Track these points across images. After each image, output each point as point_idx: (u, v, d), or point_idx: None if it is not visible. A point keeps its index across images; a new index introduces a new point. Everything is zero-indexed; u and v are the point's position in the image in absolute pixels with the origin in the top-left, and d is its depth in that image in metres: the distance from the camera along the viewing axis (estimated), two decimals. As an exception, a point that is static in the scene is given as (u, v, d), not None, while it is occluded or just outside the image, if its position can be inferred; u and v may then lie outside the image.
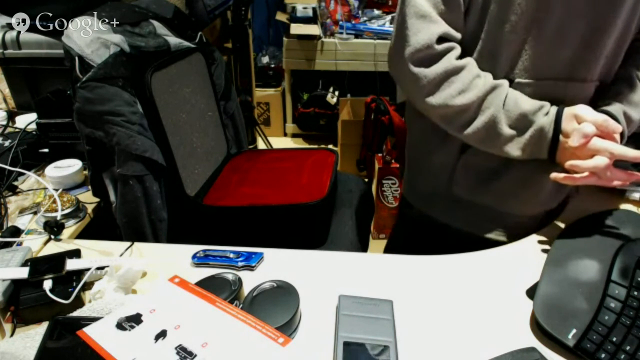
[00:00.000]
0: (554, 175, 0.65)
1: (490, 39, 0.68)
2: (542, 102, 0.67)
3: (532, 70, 0.68)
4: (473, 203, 0.80)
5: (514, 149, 0.68)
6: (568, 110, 0.65)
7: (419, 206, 0.91)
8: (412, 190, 0.94)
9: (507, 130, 0.68)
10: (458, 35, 0.69)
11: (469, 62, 0.69)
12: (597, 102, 0.70)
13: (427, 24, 0.67)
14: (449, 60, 0.68)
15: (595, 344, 0.52)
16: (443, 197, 0.84)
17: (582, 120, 0.63)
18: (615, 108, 0.67)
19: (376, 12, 2.76)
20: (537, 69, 0.68)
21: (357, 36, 2.64)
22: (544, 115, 0.66)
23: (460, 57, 0.70)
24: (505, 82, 0.69)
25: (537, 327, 0.57)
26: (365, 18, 2.73)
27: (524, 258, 0.71)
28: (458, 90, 0.68)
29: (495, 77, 0.70)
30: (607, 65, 0.69)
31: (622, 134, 0.65)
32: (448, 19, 0.67)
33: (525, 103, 0.67)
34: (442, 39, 0.68)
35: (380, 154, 2.13)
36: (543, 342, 0.56)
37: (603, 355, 0.51)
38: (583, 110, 0.64)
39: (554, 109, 0.66)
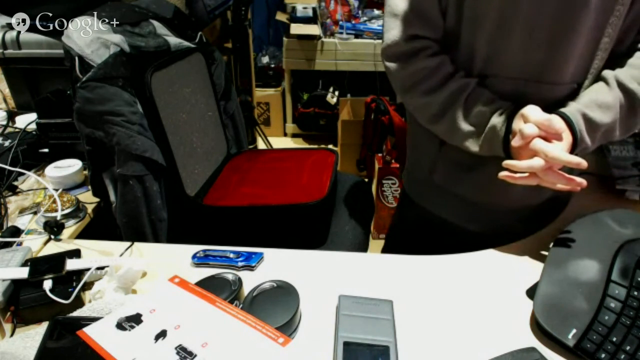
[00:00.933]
0: (501, 173, 0.65)
1: (467, 36, 0.70)
2: (502, 103, 0.69)
3: (505, 68, 0.69)
4: (454, 193, 0.83)
5: (473, 145, 0.71)
6: (519, 111, 0.66)
7: (413, 196, 0.94)
8: (408, 180, 0.97)
9: (466, 127, 0.70)
10: (432, 33, 0.72)
11: (440, 59, 0.71)
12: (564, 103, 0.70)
13: (398, 22, 0.71)
14: (418, 57, 0.71)
15: (595, 344, 0.52)
16: (429, 186, 0.87)
17: (526, 120, 0.64)
18: (571, 109, 0.66)
19: (376, 12, 2.76)
20: (509, 68, 0.68)
21: (357, 36, 2.65)
22: (499, 114, 0.67)
23: (440, 52, 0.72)
24: (472, 81, 0.70)
25: (537, 327, 0.58)
26: (365, 18, 2.73)
27: (524, 258, 0.71)
28: (425, 85, 0.71)
29: (471, 73, 0.72)
30: (580, 67, 0.68)
31: (576, 138, 0.64)
32: (423, 17, 0.70)
33: (485, 102, 0.69)
34: (413, 36, 0.71)
35: (380, 154, 2.13)
36: (543, 342, 0.56)
37: (603, 355, 0.52)
38: (529, 110, 0.64)
39: (509, 109, 0.67)
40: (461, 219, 0.86)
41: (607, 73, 0.69)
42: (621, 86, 0.66)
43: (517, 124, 0.65)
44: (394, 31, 0.72)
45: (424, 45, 0.71)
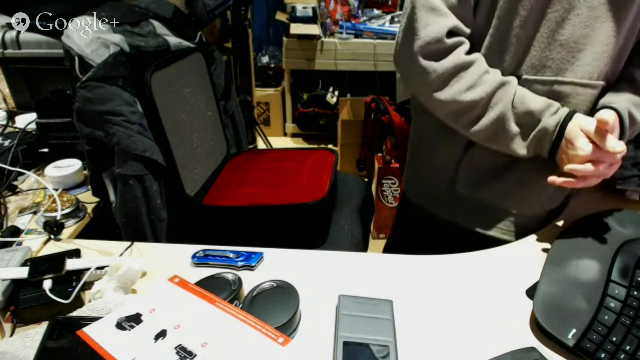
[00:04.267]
0: (552, 179, 0.65)
1: (498, 35, 0.67)
2: (551, 101, 0.67)
3: (538, 70, 0.67)
4: (476, 201, 0.80)
5: (520, 147, 0.69)
6: (575, 120, 0.64)
7: (421, 203, 0.91)
8: (414, 187, 0.94)
9: (514, 128, 0.68)
10: (467, 30, 0.69)
11: (478, 57, 0.69)
12: (601, 100, 0.70)
13: (437, 17, 0.66)
14: (459, 55, 0.67)
15: (595, 344, 0.52)
16: (446, 194, 0.84)
17: (588, 131, 0.63)
18: (622, 106, 0.66)
19: (376, 12, 2.76)
20: (545, 69, 0.67)
21: (357, 36, 2.65)
22: (552, 115, 0.66)
23: (469, 52, 0.69)
24: (514, 79, 0.68)
25: (537, 327, 0.58)
26: (365, 18, 2.73)
27: (524, 258, 0.71)
28: (467, 85, 0.67)
29: (502, 74, 0.69)
30: (613, 65, 0.69)
31: (623, 132, 0.65)
32: (458, 13, 0.67)
33: (533, 101, 0.67)
34: (452, 33, 0.67)
35: (380, 154, 2.13)
36: (543, 342, 0.56)
37: (603, 355, 0.51)
38: (587, 123, 0.63)
39: (563, 112, 0.66)
40: (480, 225, 0.83)
41: (632, 72, 0.69)
42: None
43: (574, 133, 0.64)
44: (433, 27, 0.66)
45: (462, 42, 0.68)
